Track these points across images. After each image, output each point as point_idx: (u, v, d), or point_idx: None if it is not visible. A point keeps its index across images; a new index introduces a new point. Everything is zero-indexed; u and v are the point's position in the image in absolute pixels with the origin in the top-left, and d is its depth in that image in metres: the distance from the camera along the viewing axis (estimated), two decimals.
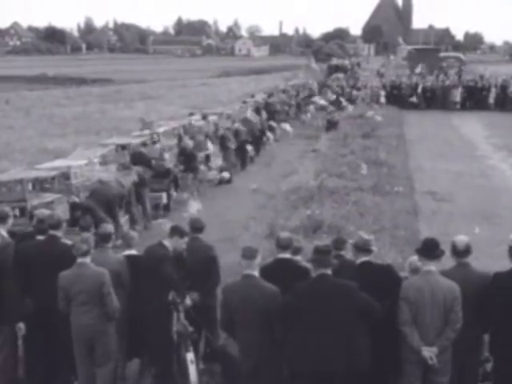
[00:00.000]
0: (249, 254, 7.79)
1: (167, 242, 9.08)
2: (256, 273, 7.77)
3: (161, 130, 24.18)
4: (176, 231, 9.17)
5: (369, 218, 16.63)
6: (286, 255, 8.36)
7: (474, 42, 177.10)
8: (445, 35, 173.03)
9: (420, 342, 7.43)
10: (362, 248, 8.11)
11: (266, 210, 17.95)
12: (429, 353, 7.38)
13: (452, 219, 16.81)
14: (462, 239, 7.94)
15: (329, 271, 7.41)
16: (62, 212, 13.07)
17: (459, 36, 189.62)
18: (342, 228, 15.36)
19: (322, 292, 7.31)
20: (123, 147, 20.28)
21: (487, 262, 10.70)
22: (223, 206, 18.84)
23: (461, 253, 7.84)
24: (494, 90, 43.30)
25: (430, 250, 7.63)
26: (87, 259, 8.40)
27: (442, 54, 67.27)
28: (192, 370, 8.51)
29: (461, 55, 69.12)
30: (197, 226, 9.62)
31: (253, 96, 39.50)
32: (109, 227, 9.40)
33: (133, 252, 9.38)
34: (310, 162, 24.76)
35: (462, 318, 7.40)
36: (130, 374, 9.53)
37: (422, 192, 20.13)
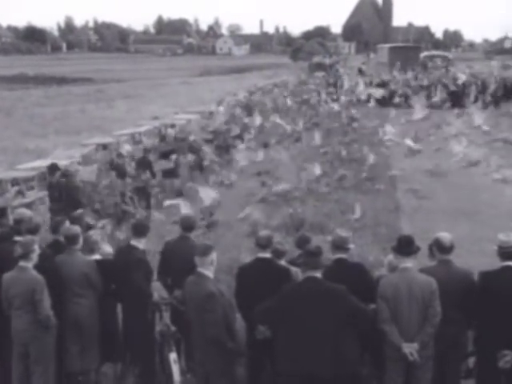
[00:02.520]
0: (201, 250, 7.66)
1: (136, 242, 9.05)
2: (208, 271, 7.58)
3: (142, 129, 24.18)
4: (138, 229, 9.16)
5: (350, 215, 16.72)
6: (266, 255, 8.27)
7: (453, 39, 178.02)
8: (424, 33, 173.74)
9: (400, 339, 7.44)
10: (339, 246, 8.14)
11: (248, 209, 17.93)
12: (409, 349, 7.39)
13: (433, 216, 16.87)
14: (446, 236, 7.96)
15: (318, 274, 7.36)
16: (43, 212, 13.07)
17: (439, 34, 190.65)
18: (325, 226, 15.43)
19: (310, 295, 7.25)
20: (104, 147, 20.25)
21: (468, 258, 10.76)
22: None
23: (446, 249, 7.86)
24: (473, 89, 43.51)
25: (405, 247, 7.66)
26: (28, 263, 8.24)
27: (427, 54, 66.66)
28: (175, 370, 8.51)
29: (448, 54, 68.51)
30: (187, 225, 9.50)
31: (235, 94, 39.66)
32: (75, 228, 9.17)
33: (96, 256, 9.17)
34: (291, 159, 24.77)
35: (440, 312, 7.42)
36: (111, 374, 9.54)
37: (404, 190, 20.20)
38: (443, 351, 7.69)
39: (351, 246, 8.32)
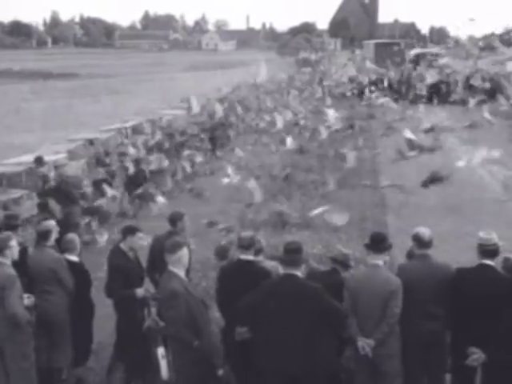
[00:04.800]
0: (169, 248, 7.56)
1: (123, 245, 9.09)
2: (176, 269, 7.48)
3: (129, 124, 24.12)
4: (126, 231, 9.18)
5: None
6: (249, 256, 8.21)
7: (439, 36, 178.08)
8: (410, 29, 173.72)
9: (357, 332, 7.53)
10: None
11: (234, 204, 17.96)
12: (362, 343, 7.46)
13: (419, 212, 16.96)
14: (425, 231, 7.98)
15: (298, 271, 7.35)
16: (30, 208, 13.05)
17: (424, 30, 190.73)
18: (311, 221, 15.48)
19: (287, 292, 7.24)
20: (91, 142, 20.21)
21: (453, 254, 10.83)
22: (191, 200, 18.80)
23: (425, 244, 7.88)
24: (460, 84, 43.67)
25: (377, 243, 7.72)
26: (4, 259, 8.15)
27: (418, 51, 66.12)
28: (163, 365, 8.52)
29: (440, 51, 67.99)
30: (173, 219, 9.58)
31: (220, 90, 39.62)
32: (49, 224, 9.19)
33: (72, 257, 9.15)
34: (279, 155, 24.77)
35: (397, 313, 7.46)
36: (99, 369, 9.56)
37: (390, 185, 20.26)
38: (424, 347, 7.73)
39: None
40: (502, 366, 7.35)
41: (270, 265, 8.43)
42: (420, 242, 7.93)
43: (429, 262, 7.87)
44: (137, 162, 19.33)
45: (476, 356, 7.39)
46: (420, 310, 7.63)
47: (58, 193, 14.14)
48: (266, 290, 7.40)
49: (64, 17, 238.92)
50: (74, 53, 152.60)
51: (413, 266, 7.94)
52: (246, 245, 8.21)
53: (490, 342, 7.36)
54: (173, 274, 7.50)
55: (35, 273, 8.79)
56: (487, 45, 65.45)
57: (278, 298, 7.22)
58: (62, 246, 9.24)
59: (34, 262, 8.79)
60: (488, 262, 7.59)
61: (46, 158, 16.61)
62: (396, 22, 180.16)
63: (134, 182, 18.47)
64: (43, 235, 8.99)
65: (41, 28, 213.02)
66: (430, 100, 41.86)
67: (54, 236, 9.16)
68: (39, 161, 15.67)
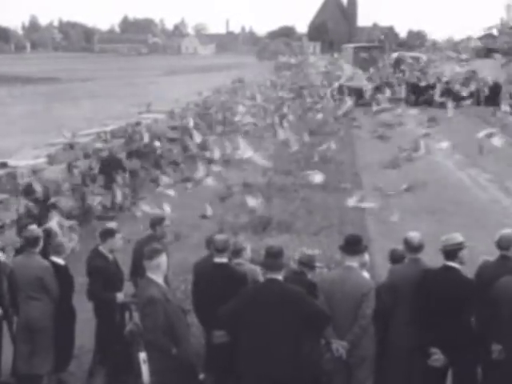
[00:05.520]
0: (147, 254, 7.54)
1: (103, 248, 9.11)
2: (154, 275, 7.48)
3: (109, 128, 24.05)
4: (105, 234, 9.20)
5: (317, 214, 16.81)
6: (223, 259, 8.20)
7: (417, 39, 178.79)
8: (389, 33, 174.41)
9: (332, 334, 7.55)
10: (307, 264, 8.33)
11: (215, 208, 17.94)
12: (336, 345, 7.49)
13: (399, 215, 17.03)
14: (415, 235, 8.03)
15: (279, 276, 7.32)
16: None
17: (403, 34, 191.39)
18: (291, 225, 15.53)
19: (270, 297, 7.19)
20: (71, 146, 20.15)
21: (433, 256, 10.88)
22: (172, 204, 18.75)
23: (415, 248, 7.94)
24: (438, 86, 43.98)
25: (351, 245, 7.76)
26: None
27: (399, 54, 66.01)
28: (144, 370, 8.50)
29: (421, 55, 67.86)
30: (153, 224, 9.65)
31: (200, 94, 39.64)
32: (36, 231, 9.18)
33: (59, 260, 9.13)
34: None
35: (369, 315, 7.49)
36: (80, 374, 9.54)
37: (370, 188, 20.34)
38: (410, 352, 7.73)
39: (318, 264, 8.49)
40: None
41: (250, 268, 8.43)
42: (409, 246, 7.99)
43: (419, 265, 7.91)
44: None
45: (436, 357, 7.48)
46: (408, 313, 7.68)
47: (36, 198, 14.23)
48: (248, 296, 7.38)
49: (43, 21, 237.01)
50: (53, 57, 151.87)
51: (403, 269, 8.00)
52: (221, 248, 8.23)
53: (450, 343, 7.43)
54: (151, 280, 7.49)
55: (21, 279, 8.76)
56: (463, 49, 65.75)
57: (262, 304, 7.18)
58: (50, 248, 9.20)
59: (20, 268, 8.75)
60: (451, 263, 7.65)
61: (25, 163, 16.60)
62: (375, 25, 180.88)
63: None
64: (31, 242, 8.93)
65: (19, 32, 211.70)
66: (408, 103, 42.15)
67: (42, 243, 9.08)
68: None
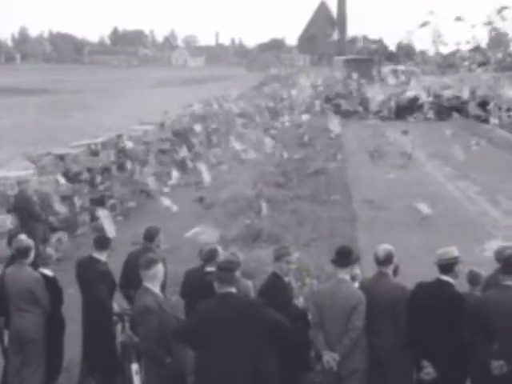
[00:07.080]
0: (144, 264, 7.58)
1: (98, 255, 9.10)
2: (151, 284, 7.51)
3: (99, 140, 24.07)
4: (106, 243, 9.23)
5: (306, 226, 16.84)
6: (211, 268, 8.06)
7: (406, 52, 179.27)
8: (378, 46, 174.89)
9: (324, 346, 7.58)
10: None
11: (204, 220, 17.92)
12: (327, 357, 7.50)
13: (389, 227, 17.09)
14: (383, 248, 7.97)
15: (233, 289, 7.11)
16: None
17: (392, 47, 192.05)
18: (281, 237, 15.53)
19: (226, 311, 6.95)
20: (61, 158, 20.16)
21: (422, 269, 10.91)
22: (163, 216, 18.73)
23: (380, 262, 7.89)
24: (427, 101, 44.21)
25: (342, 257, 7.76)
26: None
27: (391, 67, 65.90)
28: (136, 381, 8.51)
29: (414, 68, 67.67)
30: (149, 235, 9.55)
31: (190, 105, 39.76)
32: (27, 241, 9.12)
33: (47, 272, 9.09)
34: (248, 171, 24.81)
35: (360, 327, 7.50)
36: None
37: (360, 200, 20.41)
38: (378, 364, 7.71)
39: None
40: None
41: (243, 285, 8.37)
42: (375, 259, 7.96)
43: (383, 279, 7.88)
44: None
45: (427, 370, 7.49)
46: (368, 326, 7.64)
47: (21, 210, 14.21)
48: (202, 312, 7.14)
49: (33, 32, 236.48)
50: (43, 69, 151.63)
51: (368, 282, 8.02)
52: (208, 258, 8.31)
53: (440, 356, 7.43)
54: (147, 289, 7.52)
55: (12, 290, 8.75)
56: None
57: (216, 319, 6.95)
58: (39, 260, 9.15)
59: (11, 279, 8.73)
60: (444, 277, 7.65)
61: (15, 174, 16.57)
62: (365, 38, 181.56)
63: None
64: (22, 252, 8.90)
65: (9, 44, 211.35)
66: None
67: (33, 253, 9.05)
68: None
